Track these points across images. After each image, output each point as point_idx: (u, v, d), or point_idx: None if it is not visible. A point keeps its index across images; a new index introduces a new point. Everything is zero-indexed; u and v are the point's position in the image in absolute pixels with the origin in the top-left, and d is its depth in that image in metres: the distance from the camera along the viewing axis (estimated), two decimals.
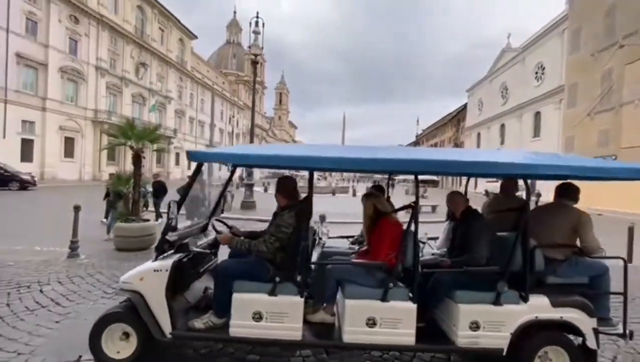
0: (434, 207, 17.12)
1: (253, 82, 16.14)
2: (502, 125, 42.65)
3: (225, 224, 3.42)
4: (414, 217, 2.58)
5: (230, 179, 3.68)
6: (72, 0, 28.95)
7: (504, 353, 2.47)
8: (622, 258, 2.72)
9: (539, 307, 2.51)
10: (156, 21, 41.56)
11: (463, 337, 2.49)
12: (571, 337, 2.57)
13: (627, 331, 2.63)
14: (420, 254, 2.92)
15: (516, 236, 2.58)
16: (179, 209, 2.69)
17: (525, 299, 2.52)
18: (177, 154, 45.65)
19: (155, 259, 2.69)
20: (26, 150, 26.18)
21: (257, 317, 2.52)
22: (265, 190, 26.54)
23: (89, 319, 3.53)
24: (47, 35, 27.21)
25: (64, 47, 28.98)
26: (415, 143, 52.48)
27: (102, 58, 32.80)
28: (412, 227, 2.62)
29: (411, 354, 2.89)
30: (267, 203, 12.97)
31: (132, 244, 6.49)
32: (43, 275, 4.80)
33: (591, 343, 2.48)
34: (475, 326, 2.49)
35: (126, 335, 2.64)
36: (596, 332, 2.50)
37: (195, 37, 50.51)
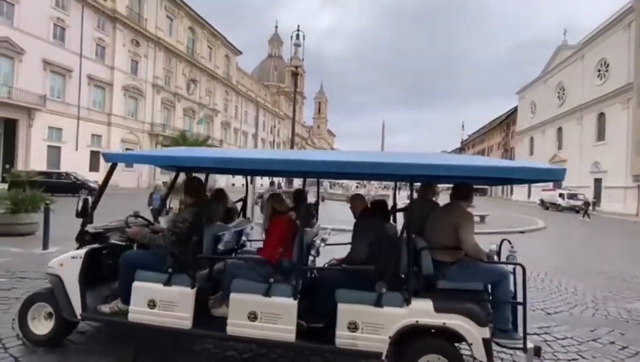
0: (482, 217, 15.97)
1: (294, 93, 16.66)
2: (559, 129, 39.27)
3: (145, 219, 3.68)
4: (300, 217, 2.79)
5: (173, 183, 4.05)
6: (134, 25, 32.27)
7: (383, 357, 2.34)
8: (520, 264, 2.53)
9: (421, 311, 2.34)
10: (205, 40, 44.67)
11: (341, 337, 2.40)
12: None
13: (530, 346, 2.37)
14: (315, 253, 2.99)
15: (399, 237, 2.56)
16: (94, 207, 3.03)
17: (407, 302, 2.37)
18: None
19: (78, 248, 2.97)
20: (94, 161, 29.31)
21: (152, 305, 2.63)
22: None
23: None
24: (113, 58, 30.51)
25: (127, 68, 32.24)
26: (461, 149, 50.00)
27: (158, 76, 35.92)
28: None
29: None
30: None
31: None
32: None
33: (478, 354, 2.25)
34: (353, 327, 2.38)
35: (50, 315, 2.92)
36: (487, 342, 2.27)
37: (240, 52, 53.37)
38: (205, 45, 44.94)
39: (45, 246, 6.63)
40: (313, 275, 3.16)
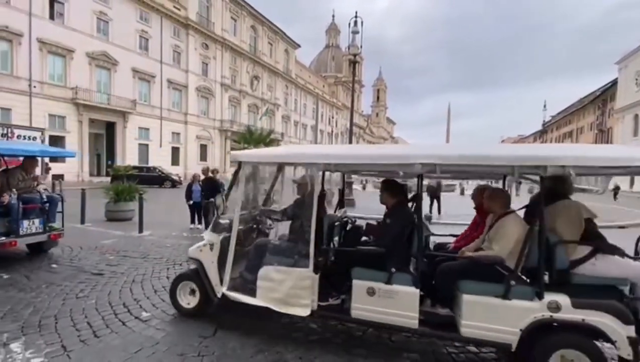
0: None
1: (352, 82, 16.43)
2: None
3: None
4: None
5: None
6: (204, 30, 34.97)
7: None
8: None
9: None
10: (266, 37, 46.44)
11: None
12: None
13: None
14: None
15: None
16: None
17: None
18: None
19: None
20: (175, 156, 32.95)
21: None
22: (364, 188, 26.72)
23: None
24: (187, 62, 33.57)
25: (199, 70, 35.21)
26: (542, 132, 44.31)
27: (225, 76, 38.55)
28: None
29: None
30: (366, 200, 13.06)
31: None
32: None
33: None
34: None
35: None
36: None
37: (299, 46, 54.35)
38: (266, 42, 46.71)
39: (140, 229, 7.69)
40: None
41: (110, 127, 27.79)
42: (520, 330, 2.42)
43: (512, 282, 2.47)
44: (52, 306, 3.68)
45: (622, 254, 2.59)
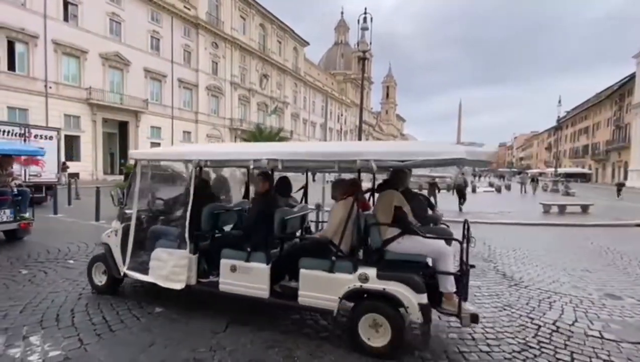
0: (584, 207, 13.70)
1: (361, 80, 16.33)
2: None
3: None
4: None
5: None
6: (214, 29, 35.22)
7: None
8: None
9: None
10: (275, 35, 46.50)
11: None
12: None
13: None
14: None
15: None
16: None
17: None
18: None
19: None
20: None
21: None
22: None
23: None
24: (197, 61, 33.90)
25: (209, 69, 35.52)
26: (557, 128, 43.25)
27: (234, 74, 38.79)
28: None
29: None
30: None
31: None
32: None
33: None
34: None
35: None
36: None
37: (307, 43, 54.23)
38: (275, 40, 46.78)
39: None
40: None
41: (123, 126, 28.31)
42: (339, 298, 2.87)
43: (334, 258, 2.94)
44: (69, 301, 3.78)
45: (423, 235, 3.01)
